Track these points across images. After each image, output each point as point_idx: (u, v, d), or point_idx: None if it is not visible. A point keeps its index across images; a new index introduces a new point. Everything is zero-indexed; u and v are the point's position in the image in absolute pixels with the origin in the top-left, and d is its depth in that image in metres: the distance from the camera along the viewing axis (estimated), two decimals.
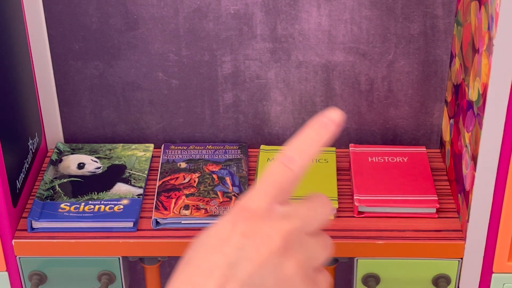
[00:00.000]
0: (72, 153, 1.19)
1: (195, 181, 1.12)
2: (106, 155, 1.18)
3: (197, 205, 1.08)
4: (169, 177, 1.14)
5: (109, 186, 1.12)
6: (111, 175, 1.14)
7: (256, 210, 0.70)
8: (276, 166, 0.73)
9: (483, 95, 0.93)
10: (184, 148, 1.20)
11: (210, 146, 1.20)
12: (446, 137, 1.17)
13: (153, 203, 1.10)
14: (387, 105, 1.19)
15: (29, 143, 1.13)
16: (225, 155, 1.18)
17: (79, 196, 1.09)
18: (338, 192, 1.12)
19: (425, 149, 1.18)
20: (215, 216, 1.06)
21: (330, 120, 0.76)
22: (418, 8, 1.11)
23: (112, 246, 1.04)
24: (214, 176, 1.14)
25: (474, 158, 0.97)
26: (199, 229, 1.07)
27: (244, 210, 0.70)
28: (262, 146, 1.19)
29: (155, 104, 1.20)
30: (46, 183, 1.12)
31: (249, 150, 1.22)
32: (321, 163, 1.16)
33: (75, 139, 1.23)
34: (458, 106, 1.09)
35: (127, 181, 1.13)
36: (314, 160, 1.16)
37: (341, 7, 1.11)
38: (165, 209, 1.07)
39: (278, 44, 1.14)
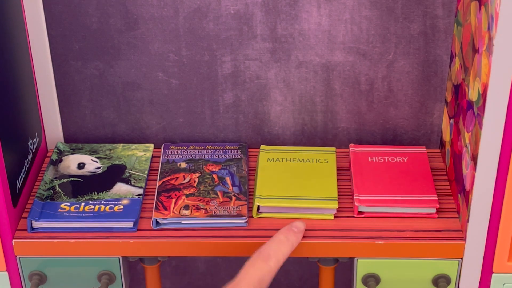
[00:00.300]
0: (72, 153, 1.19)
1: (195, 181, 1.13)
2: (106, 155, 1.18)
3: (197, 205, 1.08)
4: (169, 177, 1.14)
5: (109, 186, 1.12)
6: (111, 175, 1.14)
7: None
8: (257, 263, 0.90)
9: (483, 95, 0.93)
10: (184, 148, 1.20)
11: (210, 146, 1.20)
12: (446, 137, 1.17)
13: (153, 203, 1.10)
14: (387, 105, 1.19)
15: (29, 143, 1.13)
16: (225, 155, 1.18)
17: (79, 196, 1.09)
18: (338, 192, 1.12)
19: (425, 149, 1.18)
20: (215, 216, 1.06)
21: (297, 228, 0.97)
22: (418, 8, 1.11)
23: (112, 246, 1.04)
24: (214, 176, 1.14)
25: (474, 158, 0.97)
26: (199, 229, 1.07)
27: None
28: (262, 146, 1.19)
29: (155, 104, 1.20)
30: (46, 183, 1.12)
31: (249, 150, 1.22)
32: (321, 163, 1.16)
33: (75, 139, 1.23)
34: (458, 106, 1.09)
35: (127, 181, 1.13)
36: (314, 160, 1.16)
37: (341, 7, 1.11)
38: (165, 209, 1.07)
39: (278, 44, 1.14)
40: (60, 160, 1.17)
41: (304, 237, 1.04)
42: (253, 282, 0.88)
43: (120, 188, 1.11)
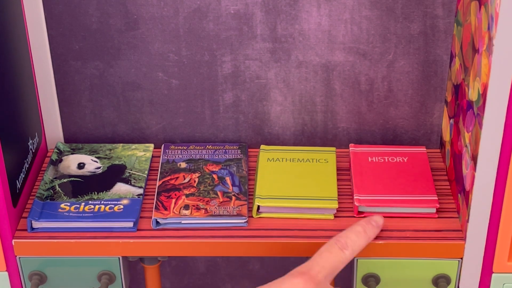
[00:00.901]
0: (72, 153, 1.19)
1: (195, 181, 1.12)
2: (106, 155, 1.18)
3: (197, 205, 1.08)
4: (169, 177, 1.14)
5: (109, 186, 1.12)
6: (111, 175, 1.14)
7: (316, 276, 0.86)
8: (334, 249, 0.89)
9: (483, 95, 0.93)
10: (184, 148, 1.20)
11: (210, 146, 1.20)
12: (446, 137, 1.17)
13: (153, 203, 1.10)
14: (387, 105, 1.19)
15: (29, 143, 1.13)
16: (225, 155, 1.18)
17: (79, 196, 1.09)
18: (338, 192, 1.12)
19: (425, 149, 1.18)
20: (215, 216, 1.06)
21: (376, 223, 0.97)
22: (418, 8, 1.11)
23: (112, 246, 1.04)
24: (214, 176, 1.14)
25: (474, 158, 0.97)
26: (199, 229, 1.07)
27: (307, 275, 0.86)
28: (262, 146, 1.19)
29: (155, 104, 1.20)
30: (46, 183, 1.12)
31: (249, 150, 1.22)
32: (321, 163, 1.16)
33: (75, 139, 1.23)
34: (458, 106, 1.09)
35: (127, 181, 1.13)
36: (314, 160, 1.16)
37: (341, 7, 1.11)
38: (165, 209, 1.07)
39: (278, 44, 1.14)
40: (60, 160, 1.17)
41: (304, 237, 1.04)
42: (327, 266, 0.87)
43: (120, 188, 1.11)
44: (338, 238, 0.91)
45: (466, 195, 1.02)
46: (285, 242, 1.04)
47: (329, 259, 0.88)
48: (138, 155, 1.19)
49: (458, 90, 1.08)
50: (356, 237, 0.92)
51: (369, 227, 0.95)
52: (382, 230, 1.05)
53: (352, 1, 1.11)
